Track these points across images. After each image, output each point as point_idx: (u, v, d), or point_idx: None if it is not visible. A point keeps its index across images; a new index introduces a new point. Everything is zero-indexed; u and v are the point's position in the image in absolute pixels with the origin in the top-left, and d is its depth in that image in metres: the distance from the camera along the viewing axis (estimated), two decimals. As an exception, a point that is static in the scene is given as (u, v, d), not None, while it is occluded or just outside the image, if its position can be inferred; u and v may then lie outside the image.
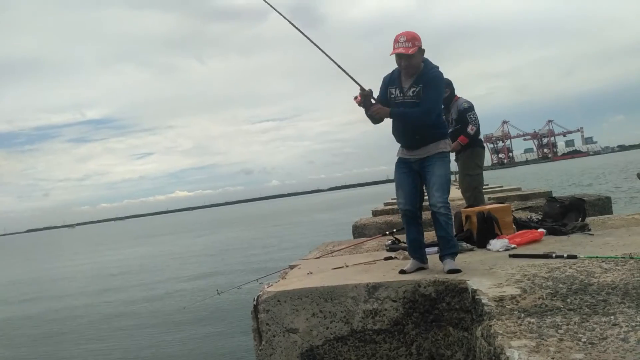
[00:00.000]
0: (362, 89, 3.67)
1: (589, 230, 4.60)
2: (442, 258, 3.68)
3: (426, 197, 3.82)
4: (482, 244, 4.41)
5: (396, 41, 3.62)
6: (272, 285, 3.79)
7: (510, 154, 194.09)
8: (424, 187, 3.82)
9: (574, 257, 3.43)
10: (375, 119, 3.76)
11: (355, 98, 3.70)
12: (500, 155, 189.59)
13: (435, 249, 4.40)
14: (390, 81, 3.81)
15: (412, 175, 3.80)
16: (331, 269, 4.17)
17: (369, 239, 6.19)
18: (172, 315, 9.80)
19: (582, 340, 1.97)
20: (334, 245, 5.90)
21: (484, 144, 6.77)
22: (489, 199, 8.79)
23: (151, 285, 15.25)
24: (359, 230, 7.77)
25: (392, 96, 3.76)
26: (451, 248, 3.69)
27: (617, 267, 3.02)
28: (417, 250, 3.78)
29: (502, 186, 14.43)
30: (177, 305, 9.92)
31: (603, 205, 7.48)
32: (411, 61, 3.64)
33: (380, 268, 3.94)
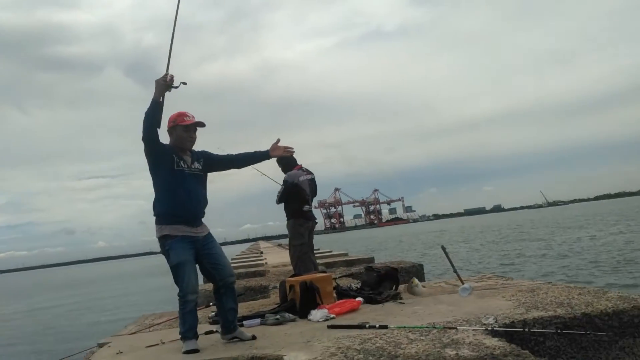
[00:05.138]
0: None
1: (401, 298, 4.89)
2: (235, 329, 3.75)
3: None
4: (304, 314, 4.44)
5: (186, 115, 3.73)
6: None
7: (342, 219, 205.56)
8: (209, 265, 3.74)
9: (385, 327, 3.60)
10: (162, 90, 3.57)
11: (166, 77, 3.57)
12: (332, 220, 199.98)
13: (258, 320, 4.35)
14: (172, 150, 3.71)
15: (194, 255, 3.67)
16: (145, 347, 3.86)
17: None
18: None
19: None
20: (153, 318, 5.51)
21: (311, 213, 6.63)
22: (320, 264, 8.99)
23: None
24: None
25: (178, 168, 3.67)
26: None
27: (421, 337, 3.22)
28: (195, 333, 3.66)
29: (331, 251, 15.01)
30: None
31: (417, 272, 8.13)
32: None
33: (199, 344, 3.72)
